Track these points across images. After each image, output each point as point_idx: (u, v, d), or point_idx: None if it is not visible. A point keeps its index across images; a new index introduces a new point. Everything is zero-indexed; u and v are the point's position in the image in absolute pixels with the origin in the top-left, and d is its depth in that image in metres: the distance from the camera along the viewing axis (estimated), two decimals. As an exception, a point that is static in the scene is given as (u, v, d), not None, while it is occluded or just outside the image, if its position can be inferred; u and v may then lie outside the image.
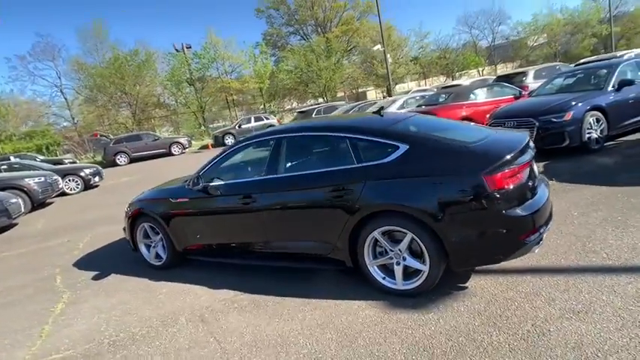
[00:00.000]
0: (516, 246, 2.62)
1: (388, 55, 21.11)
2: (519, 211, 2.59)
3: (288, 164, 3.46)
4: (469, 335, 2.40)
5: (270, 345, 2.67)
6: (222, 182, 3.71)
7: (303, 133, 3.57)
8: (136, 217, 4.42)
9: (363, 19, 40.97)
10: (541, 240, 2.67)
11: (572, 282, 2.75)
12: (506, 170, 2.59)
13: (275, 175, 3.41)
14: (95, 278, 4.49)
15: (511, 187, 2.59)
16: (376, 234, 2.93)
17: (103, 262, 4.96)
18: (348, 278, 3.34)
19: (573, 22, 39.01)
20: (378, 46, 20.68)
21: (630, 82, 6.24)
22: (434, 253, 2.73)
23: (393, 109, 11.26)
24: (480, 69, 38.29)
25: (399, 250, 2.89)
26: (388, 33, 34.44)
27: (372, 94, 37.76)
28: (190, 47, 29.85)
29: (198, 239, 4.03)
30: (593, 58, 15.31)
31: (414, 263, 2.87)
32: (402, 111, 10.54)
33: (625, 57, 9.20)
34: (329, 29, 40.45)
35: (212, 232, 3.93)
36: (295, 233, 3.37)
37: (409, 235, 2.80)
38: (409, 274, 2.94)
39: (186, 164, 14.35)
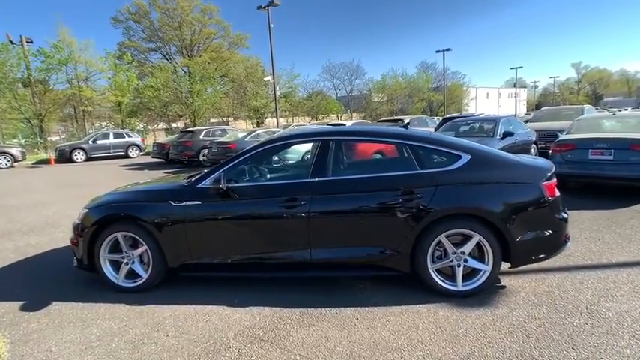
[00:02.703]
0: (560, 244, 3.16)
1: (277, 88, 21.78)
2: (564, 215, 3.16)
3: (339, 167, 3.34)
4: (548, 320, 2.74)
5: (375, 352, 2.46)
6: (256, 184, 3.29)
7: (354, 137, 3.52)
8: (102, 225, 3.43)
9: (234, 50, 41.65)
10: (569, 239, 3.29)
11: (582, 276, 3.44)
12: (554, 181, 3.16)
13: (329, 178, 3.24)
14: (35, 308, 3.23)
15: (557, 195, 3.15)
16: (442, 237, 3.08)
17: (28, 285, 3.60)
18: (384, 286, 3.34)
19: (410, 87, 47.82)
20: (269, 78, 21.22)
21: (510, 134, 8.14)
22: (497, 252, 3.04)
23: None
24: (340, 114, 42.84)
25: (462, 252, 3.10)
26: (260, 68, 35.73)
27: (242, 124, 37.83)
28: (32, 42, 24.64)
29: (208, 251, 3.39)
30: (455, 114, 19.06)
31: (475, 264, 3.11)
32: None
33: (491, 115, 11.88)
34: (196, 53, 39.59)
35: (234, 242, 3.35)
36: (349, 239, 3.21)
37: (476, 237, 3.05)
38: (464, 275, 3.16)
39: (21, 183, 11.56)
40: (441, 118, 17.96)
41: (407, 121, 14.24)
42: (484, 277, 3.10)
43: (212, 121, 35.62)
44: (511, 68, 74.87)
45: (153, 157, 17.96)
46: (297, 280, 3.51)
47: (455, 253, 3.11)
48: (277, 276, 3.42)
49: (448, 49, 36.70)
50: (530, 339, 2.53)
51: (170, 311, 3.13)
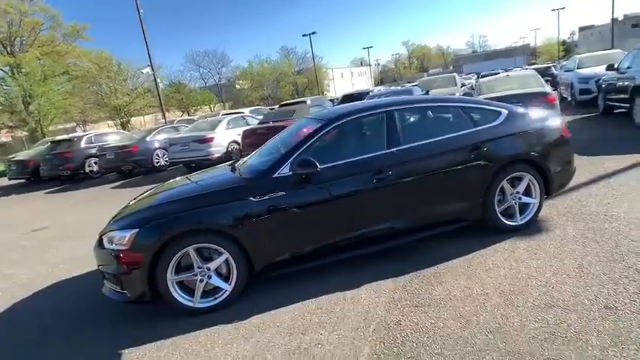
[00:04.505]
0: (573, 172, 3.96)
1: (140, 82, 19.41)
2: (573, 151, 3.97)
3: (408, 135, 3.47)
4: (590, 229, 3.48)
5: (516, 280, 2.79)
6: (341, 162, 3.20)
7: (414, 105, 3.70)
8: (165, 244, 2.87)
9: (70, 42, 35.25)
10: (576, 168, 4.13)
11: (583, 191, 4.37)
12: (567, 126, 3.94)
13: (405, 146, 3.36)
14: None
15: (569, 135, 3.93)
16: (504, 182, 3.57)
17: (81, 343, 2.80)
18: (446, 241, 3.69)
19: (276, 72, 48.46)
20: (147, 70, 18.65)
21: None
22: (542, 187, 3.68)
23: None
24: (212, 105, 40.98)
25: (517, 192, 3.65)
26: (115, 62, 31.36)
27: (103, 127, 32.83)
28: None
29: (297, 242, 3.17)
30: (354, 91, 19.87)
31: (527, 199, 3.70)
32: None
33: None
34: (19, 50, 32.24)
35: (323, 227, 3.21)
36: (431, 201, 3.43)
37: (527, 177, 3.63)
38: (512, 213, 3.70)
39: None
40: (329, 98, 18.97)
41: (308, 102, 14.63)
42: (534, 209, 3.71)
43: (59, 127, 29.89)
44: (363, 48, 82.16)
45: (10, 179, 14.41)
46: (372, 255, 3.49)
47: (512, 194, 3.64)
48: (364, 253, 3.39)
49: (314, 33, 38.25)
50: (594, 242, 3.21)
51: (290, 312, 2.88)
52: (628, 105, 7.91)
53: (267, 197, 3.05)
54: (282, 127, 9.35)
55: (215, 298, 3.06)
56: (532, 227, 3.69)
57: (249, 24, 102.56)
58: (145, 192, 3.98)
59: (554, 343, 2.16)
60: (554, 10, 57.92)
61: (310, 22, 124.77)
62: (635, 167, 5.06)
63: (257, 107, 16.33)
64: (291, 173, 3.12)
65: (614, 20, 43.38)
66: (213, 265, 3.02)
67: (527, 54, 63.77)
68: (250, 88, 46.70)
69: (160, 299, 2.98)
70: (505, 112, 3.72)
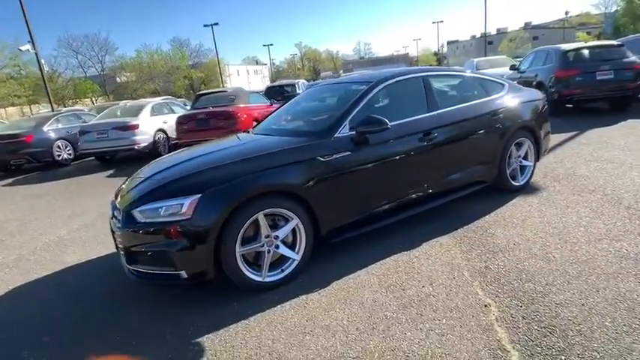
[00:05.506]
0: (550, 140, 4.63)
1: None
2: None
3: (442, 100, 3.63)
4: (576, 184, 4.15)
5: (548, 229, 3.17)
6: (396, 122, 3.18)
7: (442, 73, 3.89)
8: (234, 210, 2.50)
9: None
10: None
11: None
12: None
13: (442, 110, 3.52)
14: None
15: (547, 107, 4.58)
16: (513, 147, 3.99)
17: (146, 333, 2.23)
18: (459, 205, 4.01)
19: (168, 65, 44.87)
20: (27, 47, 15.03)
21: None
22: (535, 152, 4.22)
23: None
24: (96, 97, 36.00)
25: (519, 155, 4.12)
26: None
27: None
28: None
29: (357, 205, 3.06)
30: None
31: (525, 162, 4.20)
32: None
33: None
34: None
35: (379, 189, 3.15)
36: (464, 163, 3.66)
37: (527, 143, 4.13)
38: (515, 175, 4.19)
39: None
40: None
41: (229, 90, 13.96)
42: (530, 171, 4.24)
43: None
44: (264, 45, 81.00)
45: None
46: (407, 220, 3.47)
47: (517, 157, 4.09)
48: (404, 217, 3.42)
49: (216, 24, 36.37)
50: (587, 193, 3.84)
51: (370, 275, 2.77)
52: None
53: (333, 157, 2.88)
54: (227, 112, 8.84)
55: (282, 270, 2.76)
56: (529, 187, 4.21)
57: (138, 7, 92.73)
58: (155, 161, 3.39)
59: (626, 264, 2.52)
60: (434, 22, 66.25)
61: (203, 17, 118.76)
62: (563, 144, 6.14)
63: (166, 98, 14.85)
64: (354, 132, 2.99)
65: (474, 37, 51.43)
66: (281, 233, 2.72)
67: (407, 62, 71.84)
68: (139, 80, 42.27)
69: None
70: (507, 85, 4.17)
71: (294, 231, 2.78)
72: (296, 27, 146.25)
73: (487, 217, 3.57)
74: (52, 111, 15.00)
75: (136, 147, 9.27)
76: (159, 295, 2.87)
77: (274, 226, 2.73)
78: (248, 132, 3.95)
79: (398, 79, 3.51)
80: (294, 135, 3.28)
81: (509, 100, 4.02)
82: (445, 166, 3.53)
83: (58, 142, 10.43)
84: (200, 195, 2.45)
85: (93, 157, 10.57)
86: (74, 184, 8.00)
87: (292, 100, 4.35)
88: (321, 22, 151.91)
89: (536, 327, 2.04)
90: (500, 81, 4.21)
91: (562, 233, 3.09)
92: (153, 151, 9.66)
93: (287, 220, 2.74)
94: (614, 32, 41.01)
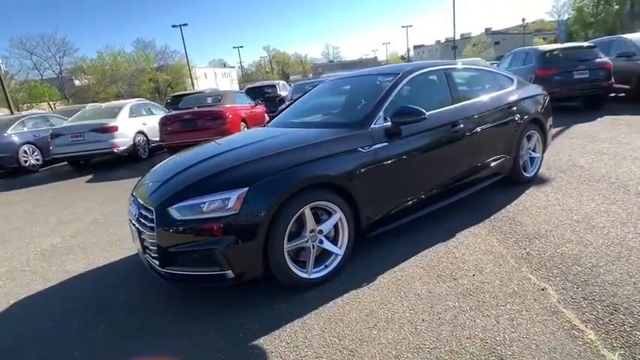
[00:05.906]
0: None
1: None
2: (552, 114, 4.82)
3: (464, 93, 3.68)
4: (581, 173, 4.33)
5: (568, 215, 3.28)
6: (429, 113, 3.16)
7: (460, 67, 3.88)
8: (283, 204, 2.39)
9: None
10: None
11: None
12: (546, 92, 4.75)
13: (465, 102, 3.57)
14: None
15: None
16: (524, 139, 4.10)
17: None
18: (479, 198, 4.09)
19: (133, 67, 43.25)
20: None
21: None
22: (543, 142, 4.36)
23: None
24: (54, 101, 34.04)
25: (530, 147, 4.25)
26: None
27: None
28: None
29: (395, 198, 3.02)
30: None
31: (535, 154, 4.33)
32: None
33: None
34: None
35: (413, 181, 3.13)
36: (486, 154, 3.72)
37: (536, 134, 4.26)
38: (526, 166, 4.31)
39: None
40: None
41: (207, 91, 13.63)
42: (539, 163, 4.38)
43: None
44: (234, 47, 79.48)
45: None
46: (433, 213, 3.50)
47: (527, 149, 4.21)
48: (434, 209, 3.41)
49: (185, 24, 35.34)
50: (593, 182, 4.01)
51: (413, 267, 2.73)
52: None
53: (373, 148, 2.82)
54: (215, 112, 8.59)
55: (326, 267, 2.67)
56: (538, 179, 4.34)
57: (99, 7, 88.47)
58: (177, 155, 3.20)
59: (663, 244, 2.64)
60: (404, 26, 67.91)
61: (169, 18, 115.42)
62: (554, 138, 6.39)
63: (138, 99, 14.26)
64: (389, 123, 2.95)
65: (438, 42, 53.13)
66: (325, 227, 2.63)
67: (376, 65, 73.31)
68: (100, 83, 40.38)
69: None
70: (515, 79, 4.29)
71: (335, 226, 2.70)
72: (264, 30, 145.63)
73: (509, 207, 3.64)
74: (12, 114, 14.01)
75: (115, 150, 8.78)
76: (188, 298, 2.70)
77: (317, 221, 2.63)
78: (265, 126, 3.82)
79: (422, 71, 3.52)
80: (329, 127, 3.19)
81: (521, 93, 4.14)
82: (471, 157, 3.57)
83: (25, 147, 9.73)
84: (247, 188, 2.32)
85: (65, 162, 9.96)
86: (50, 190, 7.46)
87: (307, 94, 4.26)
88: (290, 25, 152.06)
89: (600, 306, 2.08)
90: (510, 75, 4.33)
91: (586, 219, 3.19)
92: (133, 155, 9.24)
93: (330, 214, 2.65)
94: (567, 38, 43.72)
